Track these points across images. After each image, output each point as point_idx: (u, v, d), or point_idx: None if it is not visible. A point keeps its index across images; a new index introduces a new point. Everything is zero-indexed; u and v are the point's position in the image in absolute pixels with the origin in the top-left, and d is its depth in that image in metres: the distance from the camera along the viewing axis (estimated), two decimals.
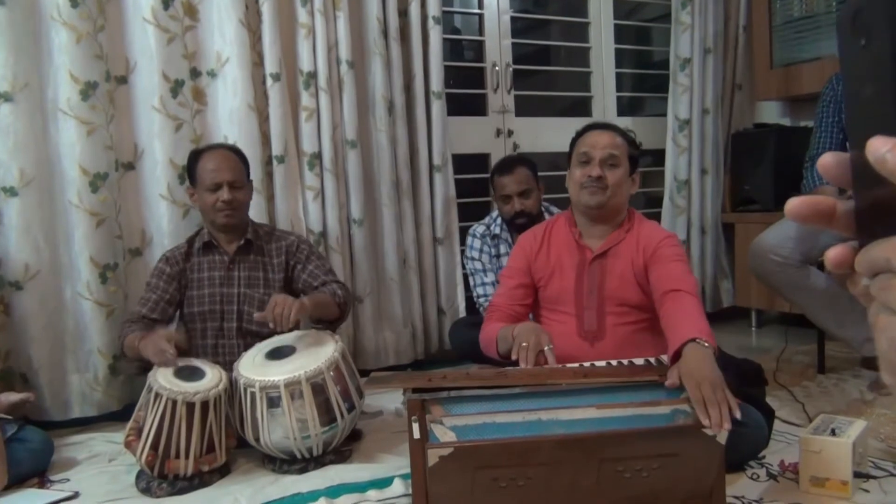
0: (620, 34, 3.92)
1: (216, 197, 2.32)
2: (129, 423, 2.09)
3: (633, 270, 1.97)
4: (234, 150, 2.46)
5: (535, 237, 2.11)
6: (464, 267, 3.19)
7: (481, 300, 2.96)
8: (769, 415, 2.02)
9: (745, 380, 2.11)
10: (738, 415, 1.47)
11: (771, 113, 4.03)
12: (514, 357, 1.76)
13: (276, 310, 2.09)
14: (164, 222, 2.71)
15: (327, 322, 2.35)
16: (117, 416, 2.60)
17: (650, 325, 1.98)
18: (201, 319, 2.39)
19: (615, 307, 1.97)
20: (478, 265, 3.01)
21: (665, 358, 1.78)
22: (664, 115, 3.86)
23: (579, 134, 2.05)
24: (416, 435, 1.57)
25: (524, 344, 1.75)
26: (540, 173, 3.02)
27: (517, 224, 2.88)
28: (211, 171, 2.34)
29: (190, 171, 2.42)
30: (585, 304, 1.98)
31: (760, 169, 3.64)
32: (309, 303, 2.20)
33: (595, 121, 2.13)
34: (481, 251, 3.02)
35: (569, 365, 1.78)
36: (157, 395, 2.00)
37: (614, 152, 1.95)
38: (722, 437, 1.52)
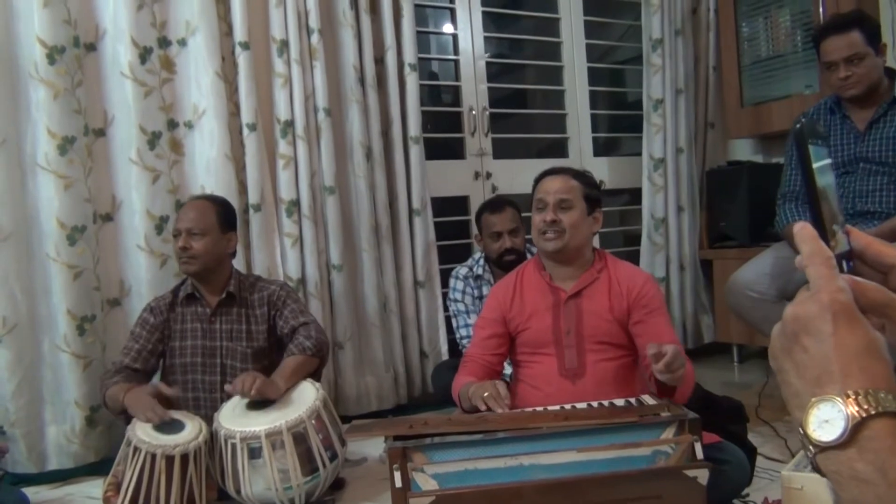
0: (594, 76, 3.99)
1: (176, 245, 2.34)
2: (108, 478, 2.06)
3: (611, 311, 1.98)
4: (212, 200, 2.45)
5: (507, 287, 2.12)
6: (446, 309, 3.20)
7: (464, 341, 2.96)
8: (751, 452, 2.02)
9: (727, 418, 2.13)
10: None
11: (743, 150, 4.10)
12: (482, 408, 1.78)
13: (244, 384, 2.11)
14: (143, 272, 2.71)
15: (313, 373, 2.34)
16: (94, 468, 2.57)
17: (631, 362, 2.00)
18: (182, 371, 2.37)
19: (595, 345, 1.98)
20: (461, 307, 3.02)
21: (645, 398, 1.79)
22: (639, 154, 3.92)
23: (536, 181, 2.09)
24: (398, 484, 1.56)
25: (486, 394, 1.78)
26: None
27: (506, 261, 2.90)
28: (176, 219, 2.38)
29: None
30: (565, 343, 1.99)
31: (735, 205, 3.69)
32: (283, 382, 2.19)
33: (553, 166, 2.15)
34: (464, 293, 3.03)
35: (549, 408, 1.78)
36: (135, 448, 1.97)
37: (565, 196, 1.99)
38: (703, 478, 1.52)
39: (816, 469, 0.52)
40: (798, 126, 0.58)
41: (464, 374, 2.04)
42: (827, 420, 0.51)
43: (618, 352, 1.99)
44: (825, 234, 0.57)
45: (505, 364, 2.70)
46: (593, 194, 2.06)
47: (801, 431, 0.52)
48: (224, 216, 2.42)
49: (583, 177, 2.07)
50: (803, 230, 0.57)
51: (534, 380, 2.04)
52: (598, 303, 1.99)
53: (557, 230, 1.98)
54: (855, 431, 0.49)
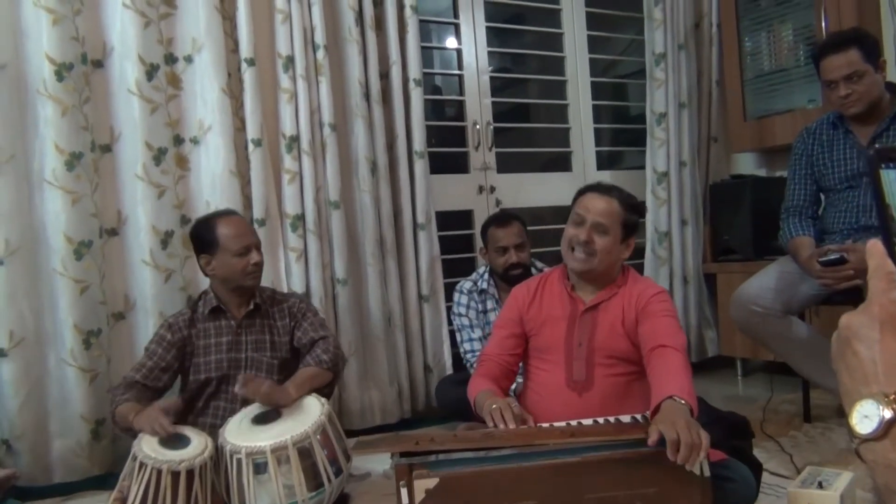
0: (597, 90, 4.01)
1: (246, 261, 2.34)
2: (114, 494, 2.06)
3: (622, 323, 1.98)
4: (240, 216, 2.52)
5: (528, 289, 2.13)
6: (450, 323, 3.20)
7: (468, 356, 2.97)
8: (757, 468, 2.01)
9: (732, 433, 2.12)
10: (705, 448, 1.51)
11: (747, 164, 4.11)
12: (490, 424, 1.78)
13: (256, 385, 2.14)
14: (147, 287, 2.72)
15: (326, 386, 2.35)
16: (99, 482, 2.58)
17: (638, 377, 1.99)
18: (207, 384, 2.38)
19: (604, 359, 1.98)
20: (465, 321, 3.02)
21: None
22: (643, 167, 3.93)
23: (581, 192, 2.07)
24: (405, 501, 1.56)
25: (494, 406, 1.79)
26: None
27: (511, 276, 2.91)
28: (237, 235, 2.35)
29: (206, 239, 2.37)
30: (575, 354, 1.99)
31: (739, 219, 3.69)
32: (295, 391, 2.21)
33: (601, 182, 2.13)
34: (468, 307, 3.03)
35: (556, 424, 1.79)
36: (141, 464, 1.98)
37: (603, 221, 1.97)
38: (697, 468, 1.53)
39: (860, 457, 0.60)
40: (870, 153, 0.65)
41: (480, 373, 2.05)
42: (867, 416, 0.59)
43: (627, 367, 1.99)
44: (893, 251, 0.65)
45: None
46: (632, 221, 2.04)
47: (848, 425, 0.60)
48: None
49: (628, 201, 2.04)
50: (874, 247, 0.65)
51: (541, 389, 2.04)
52: (613, 316, 1.99)
53: (588, 252, 1.97)
54: (889, 426, 0.57)
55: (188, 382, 2.41)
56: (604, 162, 4.09)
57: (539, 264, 3.09)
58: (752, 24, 3.88)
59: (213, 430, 2.20)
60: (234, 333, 2.40)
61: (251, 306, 2.41)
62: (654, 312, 1.94)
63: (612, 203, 2.00)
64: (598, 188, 2.06)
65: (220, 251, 2.36)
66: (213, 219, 2.42)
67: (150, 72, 2.72)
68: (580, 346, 1.99)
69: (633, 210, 2.05)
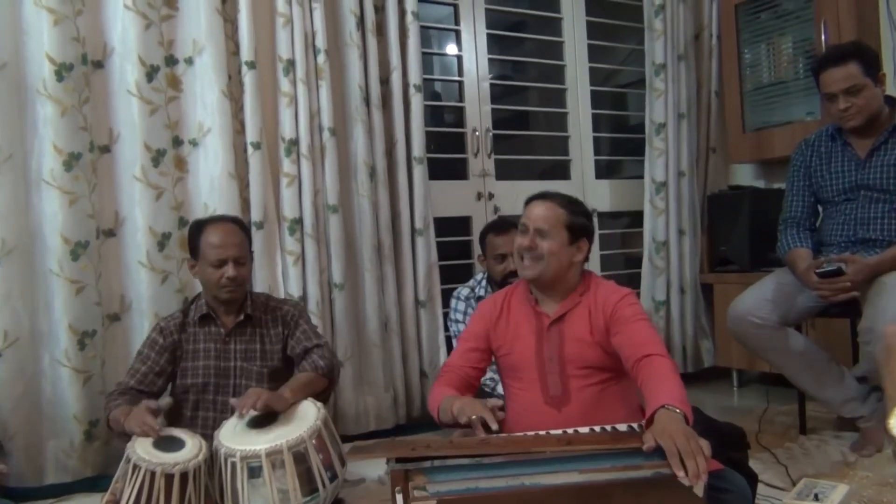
0: (597, 99, 4.02)
1: (220, 273, 2.28)
2: (106, 496, 2.05)
3: (591, 331, 1.96)
4: (238, 223, 2.42)
5: (494, 304, 2.12)
6: (447, 329, 3.20)
7: None
8: (752, 479, 2.01)
9: (728, 444, 2.12)
10: (707, 457, 1.49)
11: (745, 175, 4.12)
12: (463, 419, 1.78)
13: (250, 401, 2.09)
14: (143, 289, 2.71)
15: (321, 393, 2.33)
16: (92, 483, 2.57)
17: (615, 384, 1.97)
18: (194, 391, 2.35)
19: (577, 370, 1.96)
20: (461, 328, 3.01)
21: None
22: (641, 177, 3.94)
23: (526, 202, 2.08)
24: None
25: (473, 417, 1.77)
26: None
27: (509, 283, 2.89)
28: (215, 246, 2.29)
29: (192, 243, 2.36)
30: (547, 369, 1.98)
31: (736, 230, 3.70)
32: (291, 395, 2.18)
33: (545, 190, 2.13)
34: (465, 314, 3.03)
35: (552, 432, 1.78)
36: (135, 466, 1.96)
37: (543, 226, 1.97)
38: (699, 489, 1.52)
39: None
40: None
41: (441, 383, 2.03)
42: None
43: (602, 375, 1.97)
44: None
45: (498, 387, 2.71)
46: (578, 223, 2.01)
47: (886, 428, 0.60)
48: (250, 239, 2.44)
49: (570, 205, 2.03)
50: None
51: (521, 409, 2.01)
52: (580, 327, 1.97)
53: (534, 256, 1.96)
54: None
55: (175, 386, 2.39)
56: (602, 171, 4.10)
57: None
58: (752, 37, 3.89)
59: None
60: (222, 342, 2.37)
61: (241, 317, 2.37)
62: (626, 319, 1.92)
63: (551, 207, 2.00)
64: (540, 195, 2.06)
65: (200, 258, 2.33)
66: (204, 224, 2.38)
67: (151, 73, 2.71)
68: (551, 361, 1.97)
69: (577, 213, 2.03)
